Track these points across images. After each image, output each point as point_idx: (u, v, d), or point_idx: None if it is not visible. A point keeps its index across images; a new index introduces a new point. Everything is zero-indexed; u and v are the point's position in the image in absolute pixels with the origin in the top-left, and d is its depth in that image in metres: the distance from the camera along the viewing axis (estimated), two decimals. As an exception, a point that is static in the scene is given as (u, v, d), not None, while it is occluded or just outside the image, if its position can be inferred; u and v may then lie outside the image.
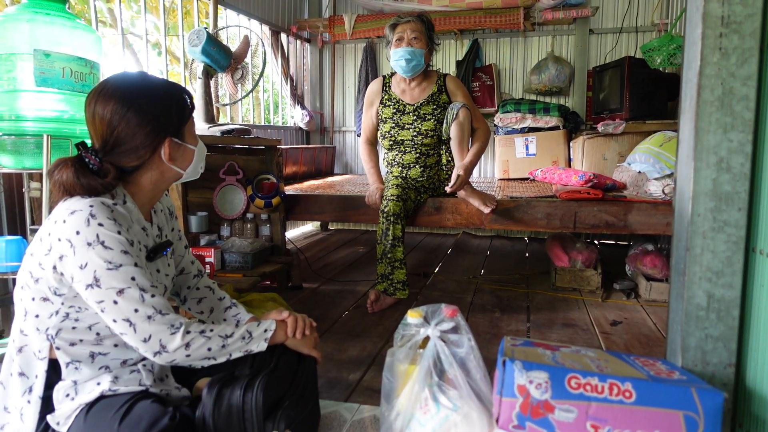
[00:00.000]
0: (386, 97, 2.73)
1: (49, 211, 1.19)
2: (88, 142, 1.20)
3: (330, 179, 4.14)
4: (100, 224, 1.10)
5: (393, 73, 2.77)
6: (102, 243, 1.09)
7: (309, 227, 5.01)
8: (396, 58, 2.59)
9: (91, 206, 1.10)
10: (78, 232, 1.08)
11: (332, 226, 5.03)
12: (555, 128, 3.93)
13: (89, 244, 1.08)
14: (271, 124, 4.50)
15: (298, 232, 4.77)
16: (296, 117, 4.63)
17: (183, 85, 1.51)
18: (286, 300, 2.28)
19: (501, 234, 4.65)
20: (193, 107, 1.27)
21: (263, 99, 4.56)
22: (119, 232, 1.12)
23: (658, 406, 0.94)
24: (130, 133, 1.15)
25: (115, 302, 1.10)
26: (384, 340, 2.15)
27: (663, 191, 2.61)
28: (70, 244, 1.08)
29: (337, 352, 2.01)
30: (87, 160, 1.15)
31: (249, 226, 2.84)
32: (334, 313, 2.51)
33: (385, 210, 2.50)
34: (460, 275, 3.23)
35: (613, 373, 1.00)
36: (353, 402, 1.62)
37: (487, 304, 2.66)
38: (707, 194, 1.12)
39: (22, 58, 1.63)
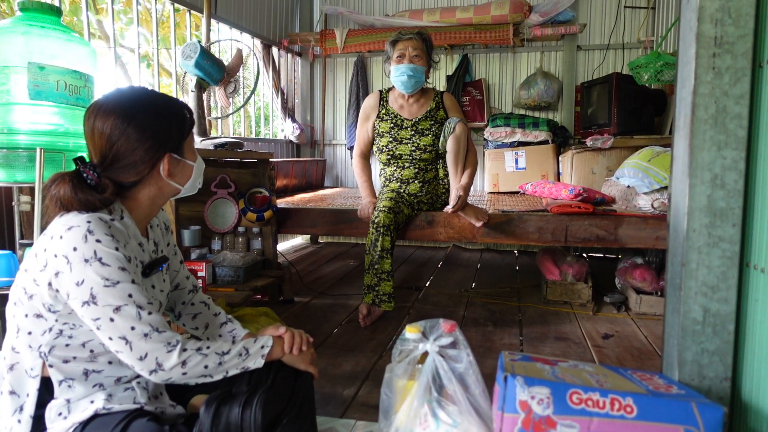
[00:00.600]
0: (383, 111, 2.75)
1: (44, 227, 1.17)
2: (86, 157, 1.19)
3: (321, 192, 4.14)
4: (98, 240, 1.08)
5: (390, 88, 2.79)
6: (99, 259, 1.08)
7: (299, 240, 5.00)
8: (397, 75, 2.62)
9: (88, 222, 1.09)
10: (75, 248, 1.07)
11: (322, 239, 5.02)
12: (544, 142, 3.98)
13: (86, 261, 1.07)
14: (260, 137, 4.49)
15: (288, 245, 4.75)
16: (287, 130, 4.63)
17: (176, 98, 1.51)
18: (278, 314, 2.27)
19: (491, 247, 4.67)
20: (192, 123, 1.27)
21: (253, 112, 4.56)
22: (117, 249, 1.10)
23: (659, 421, 0.94)
24: (130, 148, 1.14)
25: (112, 320, 1.09)
26: (377, 355, 2.14)
27: (652, 205, 2.65)
28: (66, 261, 1.07)
29: (330, 367, 2.00)
30: (85, 175, 1.14)
31: (240, 239, 2.83)
32: (327, 327, 2.50)
33: (376, 221, 2.51)
34: (452, 289, 3.24)
35: (613, 388, 1.00)
36: (349, 418, 1.60)
37: (480, 317, 2.67)
38: (702, 210, 1.14)
39: (16, 71, 1.62)
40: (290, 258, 4.04)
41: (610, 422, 0.95)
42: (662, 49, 3.56)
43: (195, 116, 2.69)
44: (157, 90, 1.29)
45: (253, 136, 4.40)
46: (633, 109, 3.52)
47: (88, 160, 1.18)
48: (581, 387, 0.98)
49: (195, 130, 2.73)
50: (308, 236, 4.98)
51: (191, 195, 1.38)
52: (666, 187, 2.65)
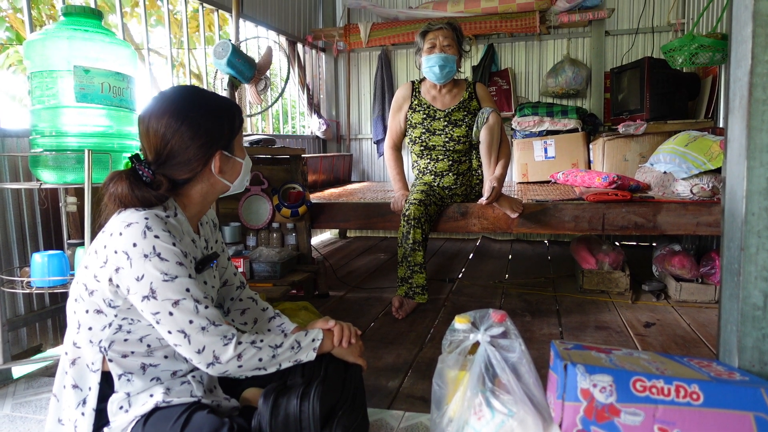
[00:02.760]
0: (416, 102, 2.74)
1: (101, 224, 1.20)
2: (140, 154, 1.21)
3: (350, 187, 4.15)
4: (156, 236, 1.11)
5: (422, 79, 2.78)
6: (158, 255, 1.10)
7: (327, 235, 5.02)
8: (429, 65, 2.60)
9: (146, 218, 1.12)
10: (135, 245, 1.09)
11: (351, 234, 5.04)
12: (573, 131, 3.92)
13: (146, 256, 1.09)
14: (281, 133, 4.52)
15: (316, 240, 4.78)
16: (313, 126, 4.65)
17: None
18: (315, 308, 2.29)
19: (521, 238, 4.63)
20: (242, 121, 1.28)
21: (279, 109, 4.59)
22: (174, 244, 1.13)
23: (728, 408, 0.93)
24: (184, 146, 1.16)
25: (171, 313, 1.11)
26: (418, 347, 2.15)
27: (691, 191, 2.60)
28: (126, 257, 1.09)
29: (372, 360, 2.01)
30: (140, 172, 1.16)
31: (275, 235, 2.86)
32: (364, 320, 2.51)
33: (406, 213, 2.51)
34: (485, 280, 3.22)
35: (676, 375, 0.99)
36: (396, 409, 1.61)
37: (516, 308, 2.65)
38: (761, 193, 1.11)
39: (61, 74, 1.65)
40: (321, 253, 4.07)
41: (677, 409, 0.94)
42: (697, 31, 3.48)
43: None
44: (207, 89, 1.30)
45: (277, 133, 4.42)
46: (665, 94, 3.45)
47: (142, 157, 1.20)
48: (644, 374, 0.97)
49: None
50: (336, 231, 5.00)
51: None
52: (705, 172, 2.59)
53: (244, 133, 3.04)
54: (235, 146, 1.26)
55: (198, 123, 1.17)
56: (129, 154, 1.23)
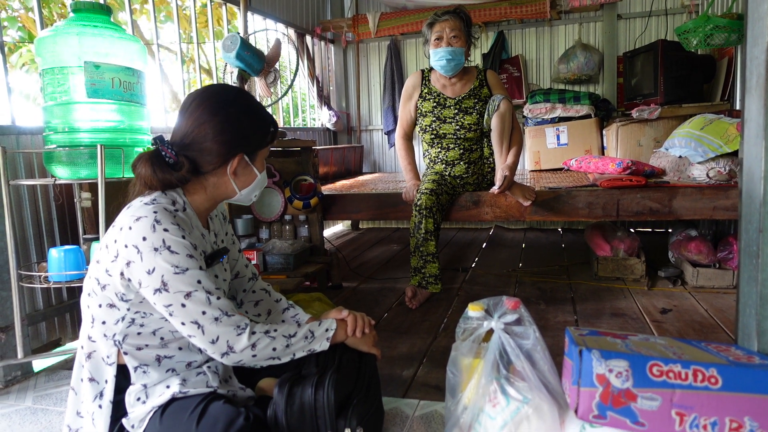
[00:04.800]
0: (426, 90, 2.72)
1: (126, 204, 1.22)
2: (162, 136, 1.23)
3: (361, 178, 4.14)
4: (166, 229, 1.11)
5: (432, 68, 2.76)
6: (168, 248, 1.11)
7: (340, 227, 5.03)
8: (436, 59, 2.58)
9: (155, 212, 1.12)
10: (144, 238, 1.10)
11: (363, 225, 5.04)
12: (586, 117, 3.87)
13: (156, 250, 1.10)
14: (292, 126, 4.53)
15: (329, 232, 4.79)
16: (323, 118, 4.64)
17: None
18: (329, 299, 2.29)
19: (534, 226, 4.60)
20: (274, 138, 1.30)
21: (289, 101, 4.59)
22: (183, 237, 1.13)
23: (747, 392, 0.91)
24: (210, 136, 1.19)
25: (183, 305, 1.12)
26: (432, 336, 2.15)
27: (707, 175, 2.55)
28: (137, 250, 1.10)
29: (387, 350, 2.02)
30: (163, 153, 1.18)
31: (287, 227, 2.86)
32: (378, 311, 2.51)
33: (418, 203, 2.50)
34: (499, 269, 3.21)
35: (693, 360, 0.97)
36: (411, 398, 1.61)
37: (531, 296, 2.64)
38: (780, 173, 1.08)
39: (72, 71, 1.66)
40: (334, 244, 4.07)
41: (694, 394, 0.92)
42: (711, 12, 3.41)
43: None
44: (257, 99, 1.33)
45: (287, 125, 4.43)
46: (680, 77, 3.39)
47: (167, 139, 1.21)
48: (660, 359, 0.96)
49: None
50: (349, 223, 5.01)
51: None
52: (721, 156, 2.55)
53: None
54: (257, 157, 1.28)
55: (231, 119, 1.20)
56: (141, 149, 1.24)
